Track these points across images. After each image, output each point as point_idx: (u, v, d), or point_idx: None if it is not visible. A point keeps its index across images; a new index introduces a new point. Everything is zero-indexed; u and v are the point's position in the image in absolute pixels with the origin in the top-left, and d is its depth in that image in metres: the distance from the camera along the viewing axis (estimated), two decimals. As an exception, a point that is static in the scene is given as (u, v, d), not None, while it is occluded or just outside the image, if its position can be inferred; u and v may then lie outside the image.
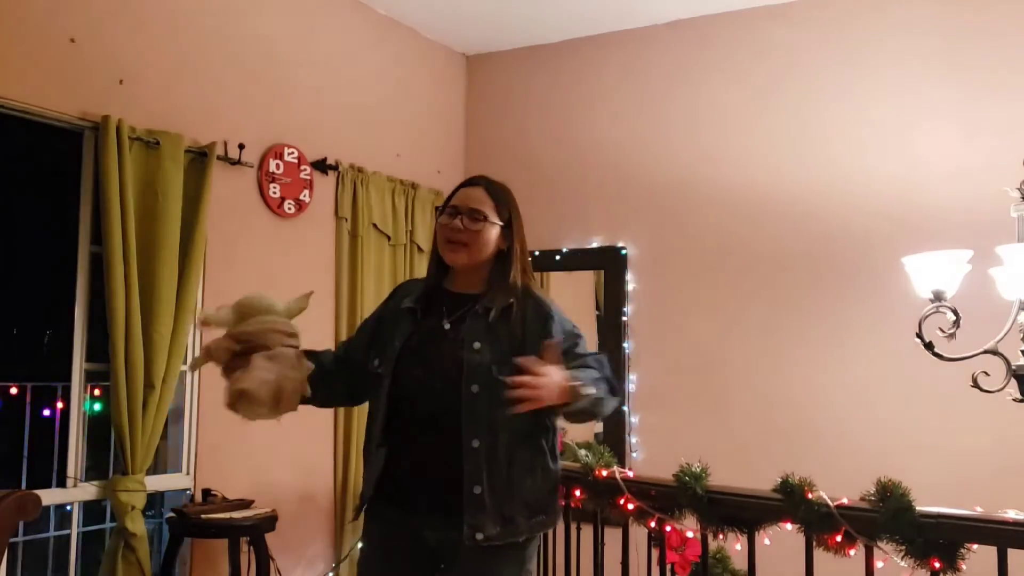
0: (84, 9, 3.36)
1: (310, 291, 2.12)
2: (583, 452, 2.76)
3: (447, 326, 2.14)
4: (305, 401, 2.08)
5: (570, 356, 2.09)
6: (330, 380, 2.20)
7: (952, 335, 2.83)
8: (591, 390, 1.99)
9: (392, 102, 4.81)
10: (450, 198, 2.22)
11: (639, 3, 4.57)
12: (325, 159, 4.32)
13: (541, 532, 2.18)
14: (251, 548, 3.56)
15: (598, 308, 4.85)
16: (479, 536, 2.03)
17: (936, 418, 3.91)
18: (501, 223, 2.18)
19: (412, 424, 2.10)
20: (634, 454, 4.60)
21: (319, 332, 4.21)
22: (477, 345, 2.07)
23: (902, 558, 2.07)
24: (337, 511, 4.27)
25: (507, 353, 2.04)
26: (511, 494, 2.06)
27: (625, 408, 4.61)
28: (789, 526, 2.30)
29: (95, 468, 3.82)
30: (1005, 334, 2.86)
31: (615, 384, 2.14)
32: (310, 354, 2.13)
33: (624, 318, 4.71)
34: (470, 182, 2.25)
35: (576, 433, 4.13)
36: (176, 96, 3.66)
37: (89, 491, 3.38)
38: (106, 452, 3.82)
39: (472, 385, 2.04)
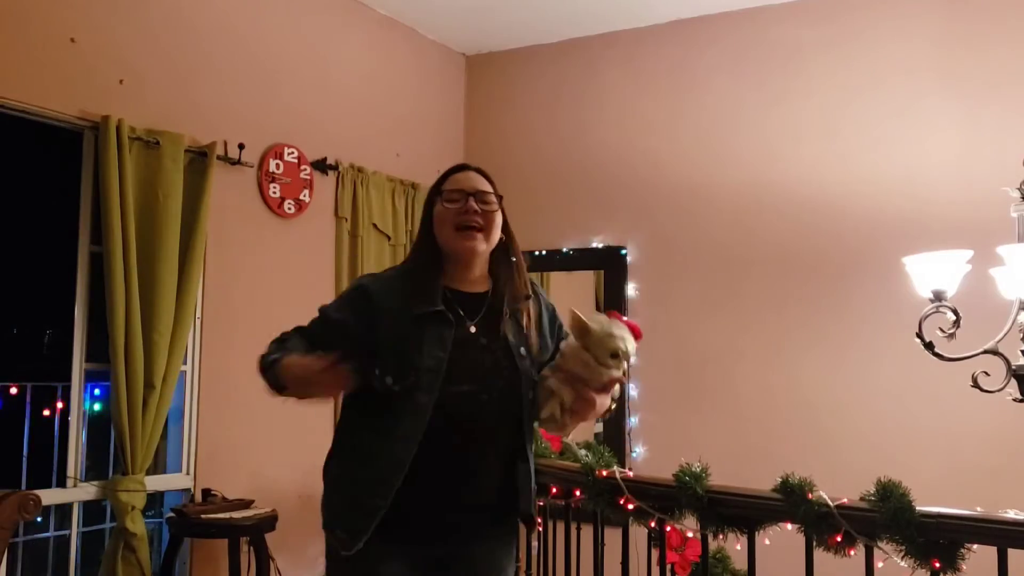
0: (84, 9, 3.36)
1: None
2: (583, 452, 2.75)
3: (473, 331, 1.94)
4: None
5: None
6: None
7: (952, 335, 2.83)
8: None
9: (392, 102, 4.81)
10: (440, 183, 2.00)
11: (639, 3, 4.56)
12: (325, 159, 4.32)
13: None
14: (251, 548, 3.56)
15: (598, 308, 4.84)
16: (534, 533, 2.07)
17: (936, 418, 3.91)
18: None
19: (454, 446, 1.88)
20: (634, 454, 4.60)
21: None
22: (523, 351, 1.96)
23: (902, 558, 2.07)
24: (337, 511, 4.25)
25: (536, 355, 2.00)
26: (529, 484, 2.03)
27: (625, 408, 4.62)
28: (789, 526, 2.30)
29: (95, 468, 3.83)
30: (1005, 334, 2.86)
31: None
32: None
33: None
34: (461, 168, 2.03)
35: (576, 433, 4.11)
36: (176, 96, 3.66)
37: (89, 491, 3.38)
38: (106, 452, 3.82)
39: (528, 393, 1.95)
